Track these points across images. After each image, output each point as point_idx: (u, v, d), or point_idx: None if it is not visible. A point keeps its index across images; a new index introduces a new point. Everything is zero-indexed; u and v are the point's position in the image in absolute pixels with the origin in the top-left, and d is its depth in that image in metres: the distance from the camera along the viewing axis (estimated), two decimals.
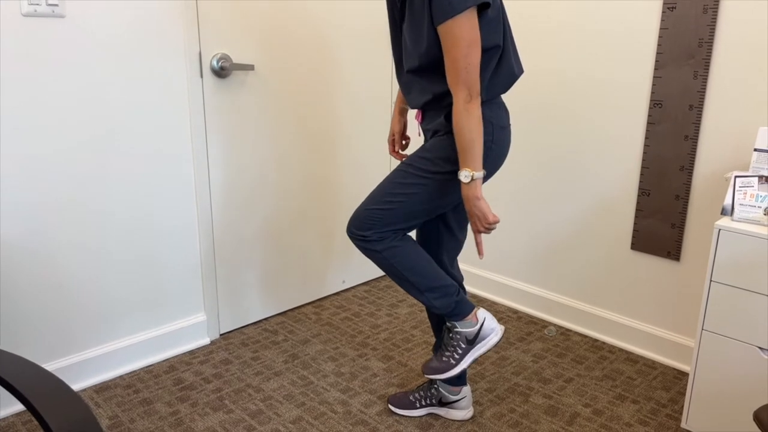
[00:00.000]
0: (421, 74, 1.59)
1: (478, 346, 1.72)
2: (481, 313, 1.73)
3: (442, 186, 1.60)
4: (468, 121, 1.46)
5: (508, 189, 2.65)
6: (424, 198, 1.61)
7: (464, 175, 1.50)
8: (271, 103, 2.35)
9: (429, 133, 1.69)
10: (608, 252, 2.37)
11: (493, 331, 1.72)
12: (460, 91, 1.45)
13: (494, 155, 1.61)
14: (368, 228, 1.64)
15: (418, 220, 1.65)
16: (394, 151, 1.90)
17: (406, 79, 1.66)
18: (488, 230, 1.56)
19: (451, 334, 1.73)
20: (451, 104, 1.57)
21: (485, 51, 1.51)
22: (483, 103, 1.57)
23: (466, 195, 1.53)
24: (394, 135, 1.89)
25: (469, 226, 2.10)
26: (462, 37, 1.41)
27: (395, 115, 1.89)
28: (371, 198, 1.66)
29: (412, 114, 2.75)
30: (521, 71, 1.64)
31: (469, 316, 1.71)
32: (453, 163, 1.57)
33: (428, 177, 1.59)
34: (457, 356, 1.71)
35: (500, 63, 1.57)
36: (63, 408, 0.90)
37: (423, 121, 1.71)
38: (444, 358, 1.73)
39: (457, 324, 1.71)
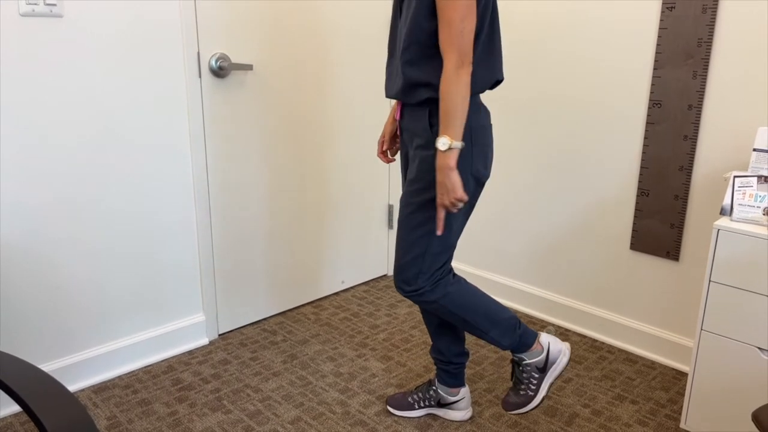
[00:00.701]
0: (405, 56, 1.54)
1: (550, 371, 1.72)
2: (544, 338, 1.73)
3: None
4: (456, 87, 1.43)
5: (507, 189, 2.64)
6: (445, 223, 1.59)
7: (442, 143, 1.45)
8: (270, 103, 2.35)
9: (408, 135, 1.65)
10: (607, 252, 2.37)
11: (561, 352, 1.72)
12: (452, 55, 1.42)
13: (479, 156, 1.57)
14: (416, 279, 1.62)
15: (453, 245, 1.64)
16: (381, 152, 1.84)
17: (390, 62, 1.64)
18: (453, 205, 1.50)
19: (521, 368, 1.72)
20: (429, 102, 1.55)
21: (475, 33, 1.48)
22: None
23: (440, 164, 1.47)
24: (384, 136, 1.85)
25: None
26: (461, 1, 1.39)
27: (389, 118, 1.87)
28: (399, 252, 1.64)
29: None
30: (503, 77, 1.62)
31: (534, 346, 1.71)
32: None
33: (434, 206, 1.57)
34: (533, 386, 1.72)
35: (488, 54, 1.54)
36: (59, 409, 0.90)
37: (401, 118, 1.67)
38: (521, 392, 1.73)
39: (524, 357, 1.71)
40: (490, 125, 1.61)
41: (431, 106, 1.55)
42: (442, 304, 1.64)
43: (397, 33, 1.61)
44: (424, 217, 1.58)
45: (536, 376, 1.71)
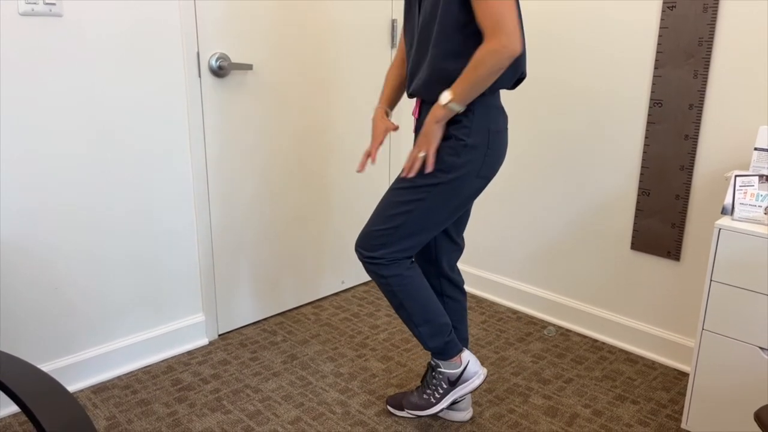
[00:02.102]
0: (434, 52, 1.53)
1: (459, 387, 1.75)
2: (466, 356, 1.75)
3: (442, 196, 1.57)
4: (491, 59, 1.39)
5: (508, 189, 2.64)
6: (427, 213, 1.59)
7: (444, 96, 1.46)
8: (270, 103, 2.34)
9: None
10: (608, 252, 2.36)
11: (476, 374, 1.75)
12: (497, 37, 1.38)
13: (491, 160, 1.59)
14: (377, 248, 1.62)
15: (427, 235, 1.63)
16: (363, 167, 1.73)
17: (414, 58, 1.60)
18: (426, 152, 1.52)
19: (434, 373, 1.76)
20: None
21: None
22: (481, 99, 1.54)
23: (433, 114, 1.49)
24: (372, 150, 1.73)
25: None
26: None
27: (379, 120, 1.75)
28: (373, 219, 1.64)
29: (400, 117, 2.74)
30: (525, 73, 1.62)
31: (455, 358, 1.74)
32: (449, 172, 1.55)
33: (426, 190, 1.57)
34: (437, 395, 1.75)
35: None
36: (57, 409, 0.90)
37: (420, 116, 1.67)
38: (425, 396, 1.77)
39: (441, 364, 1.74)
40: (507, 128, 1.63)
41: None
42: (390, 282, 1.65)
43: (415, 30, 1.59)
44: (410, 197, 1.59)
45: (444, 386, 1.75)
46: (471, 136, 1.54)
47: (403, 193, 1.60)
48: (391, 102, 1.80)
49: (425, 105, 1.64)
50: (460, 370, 1.74)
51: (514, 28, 1.38)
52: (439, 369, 1.74)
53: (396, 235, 1.61)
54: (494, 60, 1.40)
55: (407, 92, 1.68)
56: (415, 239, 1.62)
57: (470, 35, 1.49)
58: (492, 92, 1.56)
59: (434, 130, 1.51)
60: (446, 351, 1.72)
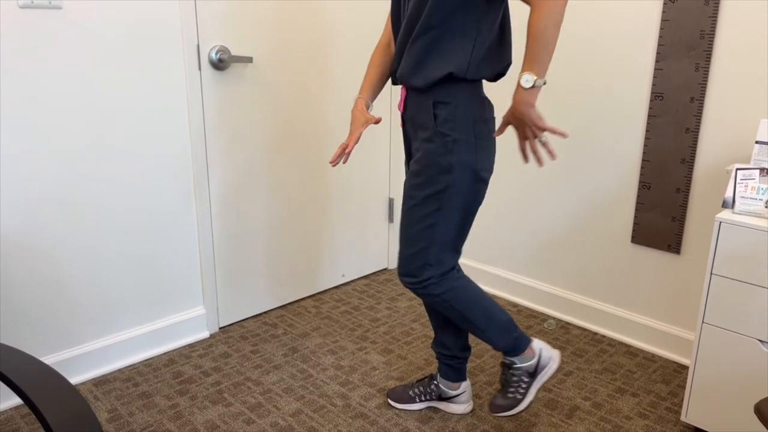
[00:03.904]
0: (423, 38, 1.49)
1: (539, 376, 1.73)
2: (536, 344, 1.73)
3: (455, 197, 1.55)
4: (552, 19, 1.34)
5: (508, 182, 2.64)
6: (449, 218, 1.57)
7: (525, 79, 1.39)
8: (270, 96, 2.34)
9: (412, 126, 1.62)
10: (608, 245, 2.36)
11: (551, 359, 1.73)
12: None
13: (483, 149, 1.55)
14: (422, 271, 1.61)
15: (460, 239, 1.62)
16: (336, 161, 1.67)
17: (418, 48, 1.52)
18: (536, 136, 1.46)
19: (511, 371, 1.73)
20: (434, 89, 1.52)
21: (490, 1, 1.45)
22: (464, 88, 1.51)
23: (520, 99, 1.42)
24: (350, 144, 1.65)
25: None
26: None
27: (359, 112, 1.68)
28: (403, 243, 1.63)
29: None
30: (511, 60, 1.59)
31: (527, 351, 1.72)
32: (450, 172, 1.53)
33: (438, 198, 1.55)
34: (522, 390, 1.72)
35: (499, 45, 1.52)
36: (60, 401, 0.90)
37: (405, 110, 1.64)
38: (509, 395, 1.73)
39: (516, 360, 1.72)
40: (493, 117, 1.59)
41: (436, 95, 1.53)
42: (445, 298, 1.63)
43: (403, 12, 1.56)
44: (426, 210, 1.57)
45: (526, 380, 1.73)
46: (456, 130, 1.51)
47: (419, 209, 1.58)
48: (374, 92, 1.73)
49: (410, 96, 1.60)
50: (535, 360, 1.72)
51: None
52: (515, 366, 1.72)
53: (432, 252, 1.59)
54: (553, 17, 1.35)
55: (392, 78, 1.63)
56: (451, 248, 1.61)
57: (470, 18, 1.46)
58: (473, 81, 1.53)
59: (531, 113, 1.43)
60: (517, 346, 1.71)
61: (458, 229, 1.60)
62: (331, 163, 1.67)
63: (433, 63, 1.51)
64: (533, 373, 1.72)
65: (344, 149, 1.66)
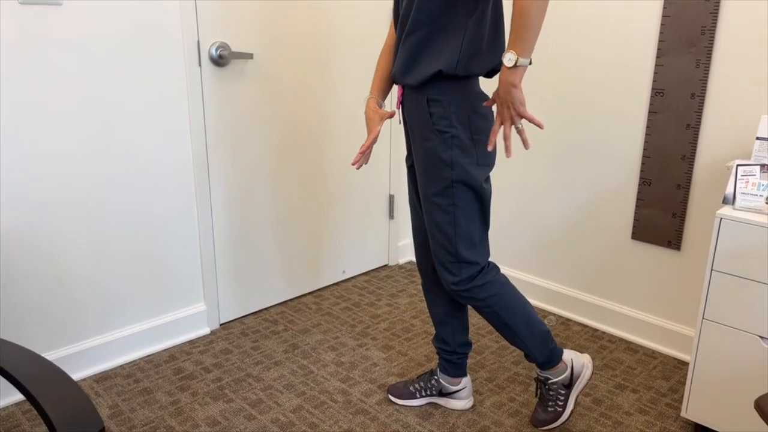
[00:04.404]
0: (414, 35, 1.50)
1: (576, 385, 1.74)
2: (567, 356, 1.74)
3: (465, 193, 1.56)
4: (534, 4, 1.31)
5: (508, 179, 2.64)
6: (468, 213, 1.57)
7: (508, 58, 1.36)
8: (270, 92, 2.33)
9: (410, 125, 1.62)
10: (609, 242, 2.37)
11: (584, 366, 1.74)
12: None
13: (483, 143, 1.55)
14: (460, 272, 1.60)
15: (484, 231, 1.62)
16: (359, 163, 1.66)
17: (409, 46, 1.53)
18: (514, 122, 1.42)
19: (547, 386, 1.73)
20: (428, 86, 1.52)
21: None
22: (457, 86, 1.51)
23: (504, 79, 1.39)
24: (367, 143, 1.64)
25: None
26: None
27: (372, 111, 1.67)
28: (435, 251, 1.63)
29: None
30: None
31: (560, 364, 1.72)
32: (453, 168, 1.53)
33: (452, 195, 1.55)
34: (561, 403, 1.73)
35: (493, 41, 1.52)
36: (62, 397, 0.90)
37: (402, 107, 1.64)
38: (549, 409, 1.74)
39: (551, 376, 1.72)
40: (492, 112, 1.59)
41: (429, 92, 1.53)
42: (490, 303, 1.62)
43: (400, 10, 1.57)
44: (445, 204, 1.57)
45: (563, 392, 1.73)
46: (454, 126, 1.52)
47: (435, 210, 1.58)
48: (383, 91, 1.72)
49: (406, 94, 1.60)
50: (568, 372, 1.72)
51: None
52: (550, 381, 1.72)
53: (461, 248, 1.59)
54: (537, 3, 1.32)
55: (406, 81, 1.63)
56: (479, 239, 1.61)
57: (457, 15, 1.46)
58: (466, 77, 1.52)
59: (515, 95, 1.40)
60: (552, 359, 1.71)
61: (478, 222, 1.60)
62: (353, 165, 1.68)
63: (423, 61, 1.52)
64: (569, 385, 1.73)
65: (364, 150, 1.65)
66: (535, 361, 1.71)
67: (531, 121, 1.43)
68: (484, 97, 1.57)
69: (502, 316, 1.64)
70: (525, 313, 1.66)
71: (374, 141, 1.65)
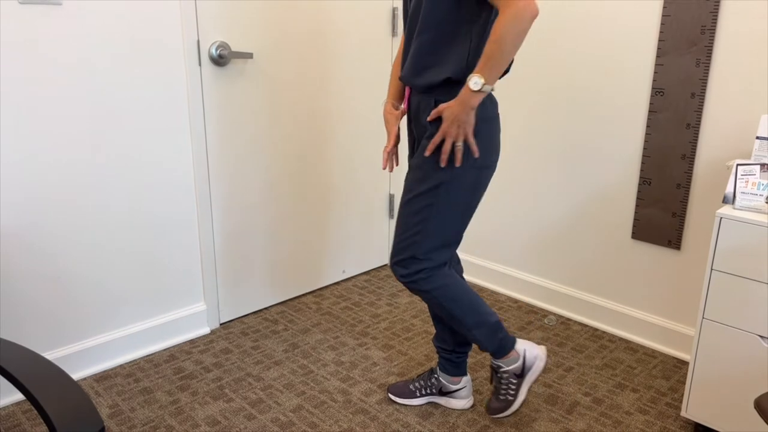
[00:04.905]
0: (422, 37, 1.52)
1: (528, 376, 1.76)
2: (520, 345, 1.76)
3: (452, 194, 1.57)
4: (515, 25, 1.35)
5: (509, 178, 2.64)
6: (443, 215, 1.58)
7: (474, 82, 1.41)
8: (270, 92, 2.33)
9: (417, 124, 1.64)
10: (609, 241, 2.37)
11: (537, 357, 1.76)
12: (516, 1, 1.34)
13: (485, 148, 1.56)
14: (410, 264, 1.62)
15: (454, 236, 1.62)
16: (387, 165, 1.74)
17: (406, 43, 1.58)
18: (457, 140, 1.48)
19: (499, 374, 1.76)
20: (437, 88, 1.53)
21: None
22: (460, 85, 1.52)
23: (463, 99, 1.43)
24: (389, 144, 1.71)
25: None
26: None
27: (389, 113, 1.74)
28: (397, 237, 1.64)
29: None
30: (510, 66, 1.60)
31: (512, 353, 1.74)
32: (446, 169, 1.54)
33: (435, 193, 1.56)
34: (512, 392, 1.76)
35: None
36: (62, 397, 0.90)
37: (409, 107, 1.66)
38: (501, 397, 1.77)
39: (502, 364, 1.75)
40: (497, 115, 1.60)
41: (438, 94, 1.54)
42: (435, 295, 1.65)
43: (410, 16, 1.59)
44: (421, 205, 1.58)
45: (514, 381, 1.76)
46: None
47: (412, 204, 1.60)
48: (399, 95, 1.77)
49: (414, 95, 1.63)
50: (520, 362, 1.74)
51: None
52: (502, 369, 1.75)
53: (421, 246, 1.60)
54: (517, 24, 1.35)
55: (399, 76, 1.65)
56: (442, 244, 1.62)
57: (462, 21, 1.47)
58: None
59: (469, 118, 1.46)
60: (503, 348, 1.73)
61: (452, 226, 1.61)
62: (384, 169, 1.72)
63: (432, 66, 1.53)
64: (520, 374, 1.76)
65: (389, 153, 1.71)
66: (485, 350, 1.73)
67: (470, 146, 1.49)
68: (492, 100, 1.59)
69: (447, 307, 1.66)
70: (471, 304, 1.68)
71: (396, 141, 1.72)
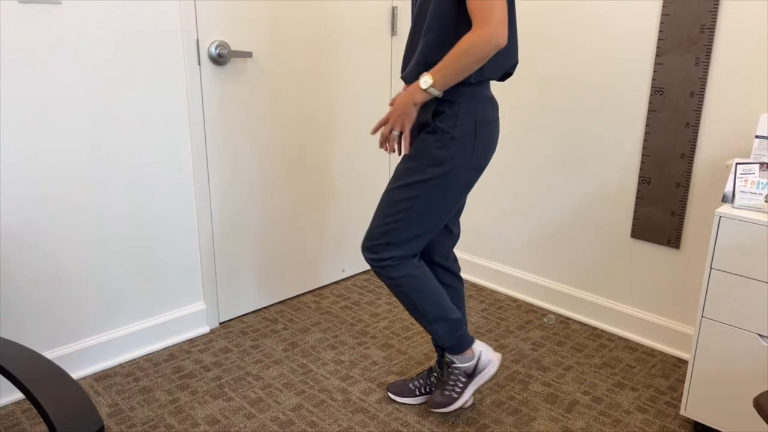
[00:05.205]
0: (426, 38, 1.55)
1: (477, 378, 1.77)
2: (477, 346, 1.77)
3: (437, 190, 1.58)
4: (476, 48, 1.40)
5: (508, 177, 2.64)
6: (424, 208, 1.60)
7: (424, 81, 1.48)
8: (270, 91, 2.33)
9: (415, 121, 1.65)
10: (608, 240, 2.37)
11: (491, 362, 1.77)
12: (484, 28, 1.39)
13: (480, 151, 1.59)
14: (382, 250, 1.63)
15: (430, 230, 1.64)
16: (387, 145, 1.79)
17: (408, 45, 1.63)
18: (394, 129, 1.56)
19: (450, 369, 1.77)
20: (451, 92, 1.55)
21: None
22: (469, 90, 1.54)
23: (411, 93, 1.50)
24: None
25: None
26: None
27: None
28: (374, 221, 1.66)
29: None
30: (517, 59, 1.62)
31: (468, 351, 1.75)
32: (439, 166, 1.55)
33: (420, 187, 1.58)
34: (458, 389, 1.77)
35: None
36: (62, 396, 0.90)
37: None
38: (446, 393, 1.78)
39: (455, 360, 1.75)
40: (497, 119, 1.62)
41: (442, 93, 1.55)
42: (401, 283, 1.66)
43: (416, 15, 1.60)
44: (405, 195, 1.60)
45: (463, 380, 1.76)
46: (457, 128, 1.54)
47: (398, 192, 1.61)
48: None
49: None
50: (474, 362, 1.75)
51: (502, 20, 1.40)
52: (454, 365, 1.76)
53: (398, 234, 1.62)
54: (479, 49, 1.41)
55: (401, 75, 1.68)
56: (417, 236, 1.63)
57: (462, 28, 1.49)
58: (479, 83, 1.56)
59: (410, 112, 1.53)
60: (459, 345, 1.74)
61: (431, 220, 1.62)
62: (381, 147, 1.78)
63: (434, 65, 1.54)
64: (471, 375, 1.76)
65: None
66: (442, 345, 1.74)
67: (404, 139, 1.57)
68: (493, 102, 1.60)
69: (411, 297, 1.67)
70: (435, 298, 1.69)
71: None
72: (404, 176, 1.60)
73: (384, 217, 1.63)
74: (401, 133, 1.58)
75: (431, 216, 1.62)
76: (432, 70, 1.47)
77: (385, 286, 2.79)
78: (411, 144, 1.61)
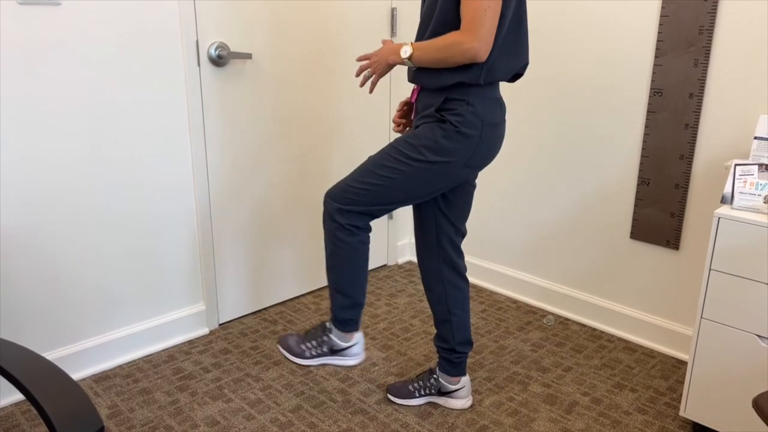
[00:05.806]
0: (428, 39, 1.57)
1: (335, 358, 1.79)
2: (358, 338, 1.79)
3: (423, 174, 1.59)
4: (454, 49, 1.46)
5: (508, 178, 2.64)
6: (403, 184, 1.61)
7: (404, 50, 1.55)
8: (269, 92, 2.34)
9: (421, 116, 1.67)
10: (607, 241, 2.37)
11: (356, 356, 1.80)
12: (469, 38, 1.44)
13: (482, 151, 1.60)
14: (346, 203, 1.64)
15: (394, 206, 1.65)
16: (397, 123, 1.85)
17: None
18: (369, 70, 1.66)
19: (323, 333, 1.79)
20: (446, 88, 1.56)
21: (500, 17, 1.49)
22: (478, 90, 1.55)
23: (392, 49, 1.58)
24: (404, 105, 1.82)
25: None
26: None
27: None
28: (353, 175, 1.66)
29: None
30: (527, 60, 1.62)
31: (348, 334, 1.77)
32: (437, 153, 1.56)
33: (409, 164, 1.59)
34: (314, 353, 1.79)
35: (514, 41, 1.55)
36: (62, 397, 0.90)
37: (417, 100, 1.70)
38: (303, 346, 1.80)
39: (333, 329, 1.77)
40: (503, 121, 1.63)
41: (449, 93, 1.57)
42: (341, 246, 1.67)
43: (424, 16, 1.63)
44: (394, 165, 1.60)
45: (324, 350, 1.78)
46: (464, 125, 1.55)
47: (390, 158, 1.61)
48: None
49: (423, 91, 1.66)
50: (346, 345, 1.78)
51: (486, 36, 1.43)
52: (330, 334, 1.78)
53: (368, 196, 1.62)
54: (454, 52, 1.45)
55: (408, 78, 1.71)
56: (383, 206, 1.64)
57: None
58: (489, 84, 1.57)
59: (384, 67, 1.62)
60: (346, 325, 1.76)
61: (402, 199, 1.63)
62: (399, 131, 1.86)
63: (444, 70, 1.55)
64: (335, 352, 1.78)
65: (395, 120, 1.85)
66: (333, 315, 1.76)
67: (373, 83, 1.67)
68: (501, 104, 1.62)
69: (339, 260, 1.69)
70: (356, 275, 1.71)
71: (404, 108, 1.82)
72: (401, 146, 1.61)
73: (365, 176, 1.63)
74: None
75: (407, 194, 1.62)
76: (416, 44, 1.53)
77: (384, 286, 2.79)
78: (407, 127, 1.69)
